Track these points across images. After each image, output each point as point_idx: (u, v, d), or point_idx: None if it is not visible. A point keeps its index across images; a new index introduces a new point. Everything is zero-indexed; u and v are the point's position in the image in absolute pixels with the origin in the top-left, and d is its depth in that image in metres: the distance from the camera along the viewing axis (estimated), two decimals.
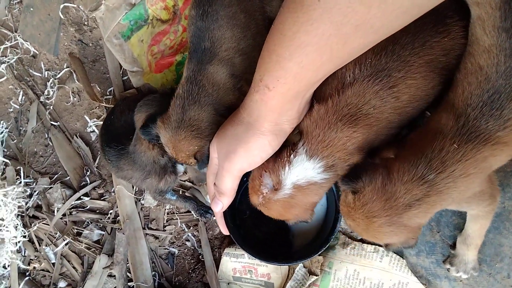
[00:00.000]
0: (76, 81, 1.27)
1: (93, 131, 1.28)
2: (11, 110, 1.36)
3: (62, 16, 1.25)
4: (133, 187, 1.21)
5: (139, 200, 1.22)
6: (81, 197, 1.26)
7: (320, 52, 0.59)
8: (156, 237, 1.21)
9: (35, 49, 1.32)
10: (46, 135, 1.31)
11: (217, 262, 1.16)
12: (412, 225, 0.71)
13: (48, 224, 1.27)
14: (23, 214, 1.29)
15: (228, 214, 0.97)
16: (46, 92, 1.31)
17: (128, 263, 1.19)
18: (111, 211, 1.24)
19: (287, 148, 0.77)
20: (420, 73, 0.72)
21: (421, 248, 0.99)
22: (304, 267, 1.05)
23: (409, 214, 0.69)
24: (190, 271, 1.20)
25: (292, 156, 0.76)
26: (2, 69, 1.33)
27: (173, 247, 1.21)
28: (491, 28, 0.66)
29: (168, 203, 1.20)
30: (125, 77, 1.23)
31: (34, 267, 1.30)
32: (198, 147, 0.85)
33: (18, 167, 1.32)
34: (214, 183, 0.83)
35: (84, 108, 1.29)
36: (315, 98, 0.76)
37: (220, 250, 1.16)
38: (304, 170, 0.76)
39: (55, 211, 1.26)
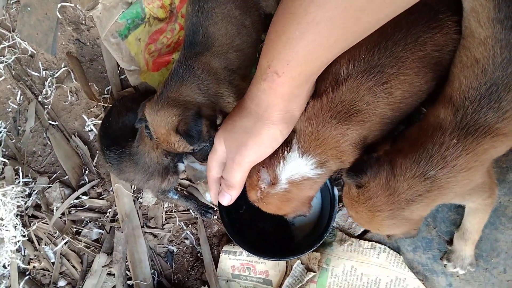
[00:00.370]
0: (74, 81, 1.27)
1: (91, 130, 1.28)
2: (9, 109, 1.36)
3: (59, 16, 1.26)
4: (131, 186, 1.21)
5: (138, 199, 1.22)
6: (80, 196, 1.26)
7: (334, 28, 0.55)
8: (155, 235, 1.22)
9: (32, 48, 1.33)
10: (45, 134, 1.32)
11: (215, 259, 1.16)
12: (413, 218, 0.72)
13: (47, 223, 1.27)
14: (22, 214, 1.30)
15: (223, 208, 0.98)
16: (44, 92, 1.31)
17: (127, 262, 1.20)
18: (109, 210, 1.25)
19: (282, 145, 0.77)
20: (413, 69, 0.73)
21: (418, 244, 0.99)
22: (301, 263, 1.05)
23: (411, 208, 0.70)
24: (189, 269, 1.20)
25: (286, 152, 0.77)
26: (0, 69, 1.33)
27: (172, 245, 1.22)
28: (486, 20, 0.66)
29: (169, 202, 1.20)
30: (123, 76, 1.24)
31: (34, 266, 1.30)
32: (176, 117, 0.82)
33: (17, 167, 1.33)
34: (222, 176, 0.82)
35: (82, 107, 1.29)
36: None
37: (219, 248, 1.16)
38: (298, 166, 0.77)
39: (54, 210, 1.27)
